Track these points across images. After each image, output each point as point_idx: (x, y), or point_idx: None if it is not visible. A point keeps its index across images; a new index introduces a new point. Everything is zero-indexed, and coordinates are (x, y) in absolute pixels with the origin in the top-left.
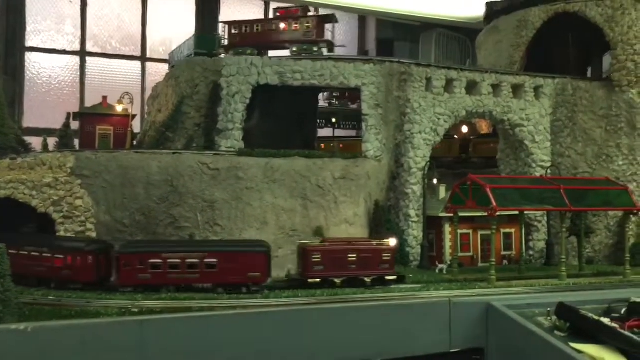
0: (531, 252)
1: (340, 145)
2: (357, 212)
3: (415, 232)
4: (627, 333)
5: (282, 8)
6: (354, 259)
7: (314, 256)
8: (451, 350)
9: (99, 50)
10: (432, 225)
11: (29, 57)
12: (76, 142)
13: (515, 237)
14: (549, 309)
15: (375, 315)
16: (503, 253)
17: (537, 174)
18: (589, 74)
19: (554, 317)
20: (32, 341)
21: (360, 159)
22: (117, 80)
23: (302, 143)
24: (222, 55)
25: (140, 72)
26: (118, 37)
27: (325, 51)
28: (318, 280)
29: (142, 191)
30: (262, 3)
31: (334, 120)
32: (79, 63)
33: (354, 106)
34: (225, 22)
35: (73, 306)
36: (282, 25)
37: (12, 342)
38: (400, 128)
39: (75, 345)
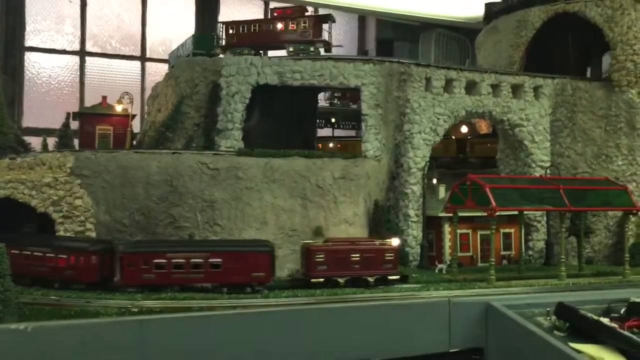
0: (530, 252)
1: (338, 146)
2: (357, 212)
3: (414, 232)
4: (626, 333)
5: (279, 8)
6: (357, 258)
7: (317, 256)
8: (450, 350)
9: (98, 50)
10: (431, 225)
11: (29, 56)
12: (76, 142)
13: (515, 237)
14: (548, 309)
15: (375, 315)
16: (502, 253)
17: (537, 174)
18: (588, 74)
19: (554, 317)
20: (31, 341)
21: (360, 159)
22: (117, 80)
23: (302, 143)
24: (221, 55)
25: (140, 72)
26: (118, 37)
27: (322, 51)
28: (321, 280)
29: (141, 191)
30: (262, 3)
31: (333, 120)
32: (78, 63)
33: (355, 106)
34: (222, 22)
35: (73, 306)
36: (279, 25)
37: (12, 342)
38: (400, 128)
39: (75, 345)
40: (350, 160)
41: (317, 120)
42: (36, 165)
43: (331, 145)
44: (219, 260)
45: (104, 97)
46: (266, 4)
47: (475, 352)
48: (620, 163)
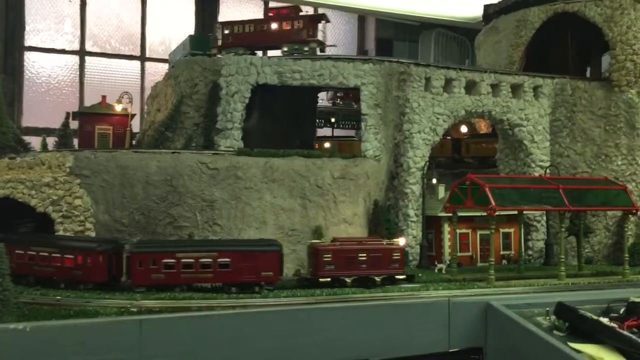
0: (530, 252)
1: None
2: (356, 211)
3: (414, 232)
4: (626, 333)
5: (273, 8)
6: (365, 258)
7: (325, 256)
8: (450, 350)
9: (98, 50)
10: (431, 224)
11: (28, 56)
12: (75, 141)
13: (514, 237)
14: (548, 309)
15: (375, 315)
16: (502, 253)
17: (536, 174)
18: (588, 74)
19: (553, 317)
20: (30, 341)
21: (360, 159)
22: (117, 80)
23: (301, 143)
24: (219, 56)
25: (140, 72)
26: (117, 37)
27: (318, 50)
28: (329, 279)
29: (141, 191)
30: (262, 3)
31: (333, 120)
32: (78, 62)
33: (357, 106)
34: (218, 23)
35: (72, 306)
36: (274, 26)
37: (11, 342)
38: (400, 128)
39: (74, 344)
40: (350, 160)
41: (317, 120)
42: (35, 165)
43: (327, 145)
44: (228, 259)
45: (104, 97)
46: (266, 3)
47: (475, 352)
48: (619, 163)
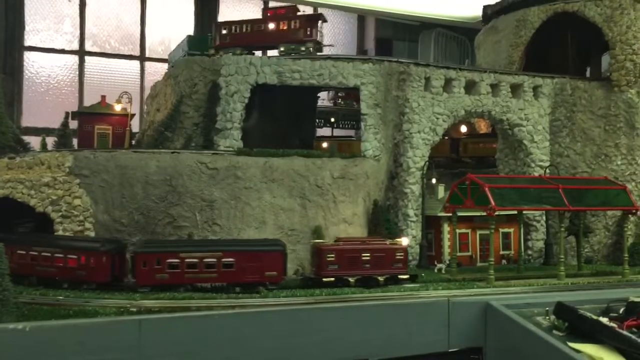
0: (530, 252)
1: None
2: (356, 211)
3: (414, 232)
4: (625, 332)
5: (270, 8)
6: (368, 258)
7: (328, 255)
8: (450, 350)
9: (97, 50)
10: (430, 224)
11: (28, 56)
12: (75, 141)
13: (514, 237)
14: (547, 309)
15: (374, 314)
16: (502, 252)
17: (536, 174)
18: (587, 74)
19: (553, 317)
20: (30, 340)
21: (359, 159)
22: (116, 80)
23: (301, 142)
24: (216, 56)
25: (139, 72)
26: (117, 37)
27: (315, 50)
28: (332, 279)
29: (140, 190)
30: (262, 2)
31: (332, 119)
32: (77, 62)
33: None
34: (215, 23)
35: (71, 305)
36: (271, 26)
37: (10, 342)
38: (399, 127)
39: (73, 344)
40: (350, 160)
41: (317, 120)
42: (35, 165)
43: (324, 145)
44: (232, 259)
45: (103, 97)
46: (265, 3)
47: (474, 352)
48: (619, 163)
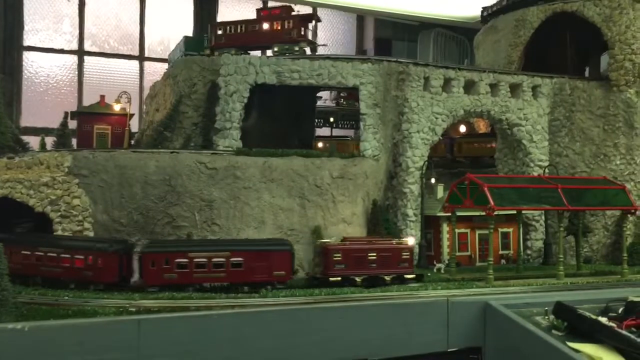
0: (529, 252)
1: (328, 145)
2: (355, 211)
3: (413, 232)
4: (624, 332)
5: (265, 8)
6: (374, 257)
7: (335, 255)
8: (449, 350)
9: (96, 50)
10: (430, 224)
11: (27, 56)
12: (74, 141)
13: (513, 237)
14: (546, 308)
15: (373, 314)
16: (501, 252)
17: (535, 174)
18: (586, 74)
19: (552, 316)
20: (29, 340)
21: (358, 159)
22: (115, 80)
23: (300, 142)
24: (211, 56)
25: (139, 72)
26: (116, 37)
27: (308, 50)
28: (339, 278)
29: (139, 190)
30: (261, 3)
31: (332, 119)
32: (76, 62)
33: None
34: (211, 24)
35: (70, 305)
36: (265, 26)
37: (9, 342)
38: (398, 127)
39: (72, 344)
40: (349, 159)
41: (316, 120)
42: (34, 165)
43: (320, 144)
44: (241, 259)
45: (102, 97)
46: (264, 3)
47: (474, 352)
48: (618, 162)
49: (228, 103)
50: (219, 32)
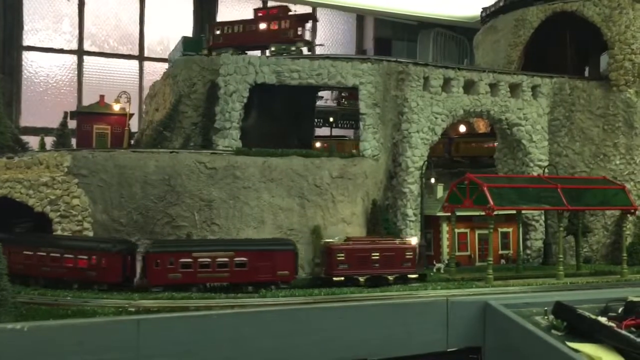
0: (528, 252)
1: (325, 145)
2: (355, 211)
3: (412, 232)
4: (624, 332)
5: (262, 8)
6: (378, 257)
7: (338, 255)
8: (448, 350)
9: (96, 50)
10: (429, 224)
11: (27, 56)
12: (73, 141)
13: (513, 237)
14: (546, 308)
15: (373, 314)
16: (500, 252)
17: (535, 173)
18: (586, 74)
19: (551, 316)
20: (28, 341)
21: (358, 158)
22: (115, 79)
23: (300, 142)
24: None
25: (138, 71)
26: (116, 36)
27: (305, 50)
28: (342, 278)
29: (139, 190)
30: (261, 2)
31: (331, 119)
32: (76, 62)
33: None
34: (209, 24)
35: (70, 305)
36: (262, 26)
37: (9, 342)
38: (398, 127)
39: (72, 344)
40: (348, 159)
41: (315, 120)
42: (33, 165)
43: (318, 144)
44: (245, 259)
45: (102, 97)
46: (264, 3)
47: (473, 352)
48: (618, 162)
49: (228, 103)
50: (217, 32)
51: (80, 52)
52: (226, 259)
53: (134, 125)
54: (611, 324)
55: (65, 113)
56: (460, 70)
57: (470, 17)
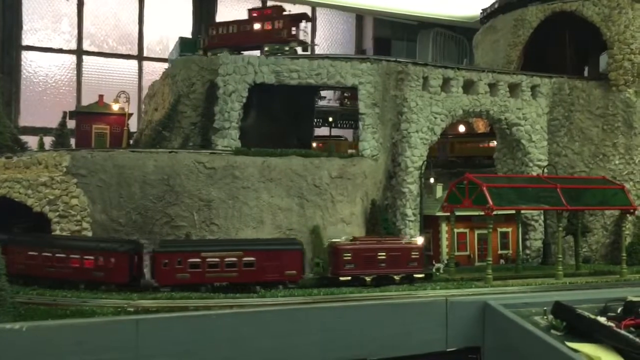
0: (528, 251)
1: (320, 145)
2: (354, 211)
3: (412, 232)
4: (623, 332)
5: (256, 9)
6: (384, 257)
7: (345, 255)
8: (448, 350)
9: (95, 49)
10: (429, 224)
11: (26, 55)
12: (72, 141)
13: (512, 236)
14: (545, 308)
15: (372, 314)
16: (500, 252)
17: (534, 173)
18: (585, 73)
19: (551, 316)
20: (27, 341)
21: (357, 158)
22: (114, 79)
23: (299, 142)
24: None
25: (137, 71)
26: (115, 36)
27: (299, 50)
28: (349, 278)
29: (138, 190)
30: (260, 2)
31: (330, 119)
32: (75, 62)
33: None
34: (205, 25)
35: (68, 305)
36: (256, 26)
37: (7, 342)
38: (397, 127)
39: (71, 344)
40: (348, 159)
41: (315, 120)
42: (32, 165)
43: (314, 144)
44: (253, 258)
45: (101, 96)
46: (264, 3)
47: (472, 351)
48: (617, 162)
49: (227, 103)
50: (212, 32)
51: (79, 52)
52: (234, 259)
53: (133, 125)
54: (610, 323)
55: (64, 113)
56: (460, 70)
57: (469, 17)
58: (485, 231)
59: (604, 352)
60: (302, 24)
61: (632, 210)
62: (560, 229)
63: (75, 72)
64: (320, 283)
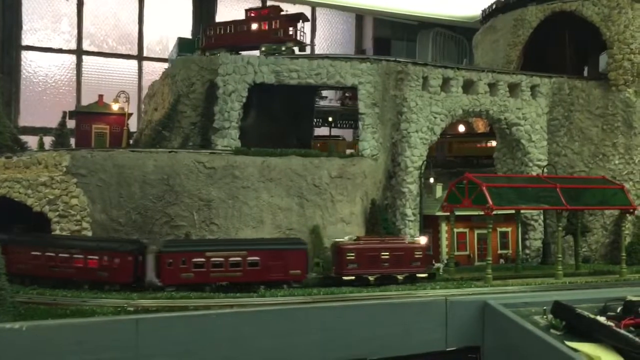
0: (527, 251)
1: (319, 145)
2: (354, 211)
3: (411, 231)
4: (622, 331)
5: (254, 9)
6: (387, 257)
7: (348, 254)
8: (447, 349)
9: (95, 49)
10: (428, 224)
11: (25, 55)
12: (72, 140)
13: (512, 236)
14: (545, 308)
15: (372, 313)
16: (499, 252)
17: (534, 173)
18: (585, 73)
19: (550, 316)
20: (27, 340)
21: (357, 158)
22: (114, 79)
23: (299, 142)
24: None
25: (137, 71)
26: (114, 36)
27: (296, 50)
28: (352, 277)
29: (138, 190)
30: (260, 2)
31: (330, 119)
32: (75, 62)
33: None
34: (203, 25)
35: (68, 305)
36: (253, 26)
37: (7, 342)
38: (397, 127)
39: (71, 344)
40: (347, 159)
41: (315, 119)
42: (32, 164)
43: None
44: (257, 258)
45: (101, 96)
46: (264, 3)
47: (472, 351)
48: (617, 162)
49: (226, 102)
50: (210, 32)
51: (79, 52)
52: (239, 259)
53: (132, 125)
54: (610, 323)
55: (64, 113)
56: (460, 70)
57: (469, 17)
58: (485, 231)
59: (604, 352)
60: (299, 24)
61: (631, 210)
62: (560, 228)
63: (75, 72)
64: (324, 283)
